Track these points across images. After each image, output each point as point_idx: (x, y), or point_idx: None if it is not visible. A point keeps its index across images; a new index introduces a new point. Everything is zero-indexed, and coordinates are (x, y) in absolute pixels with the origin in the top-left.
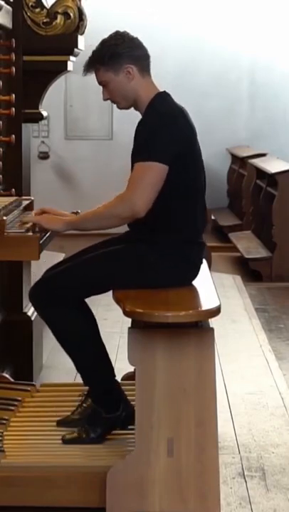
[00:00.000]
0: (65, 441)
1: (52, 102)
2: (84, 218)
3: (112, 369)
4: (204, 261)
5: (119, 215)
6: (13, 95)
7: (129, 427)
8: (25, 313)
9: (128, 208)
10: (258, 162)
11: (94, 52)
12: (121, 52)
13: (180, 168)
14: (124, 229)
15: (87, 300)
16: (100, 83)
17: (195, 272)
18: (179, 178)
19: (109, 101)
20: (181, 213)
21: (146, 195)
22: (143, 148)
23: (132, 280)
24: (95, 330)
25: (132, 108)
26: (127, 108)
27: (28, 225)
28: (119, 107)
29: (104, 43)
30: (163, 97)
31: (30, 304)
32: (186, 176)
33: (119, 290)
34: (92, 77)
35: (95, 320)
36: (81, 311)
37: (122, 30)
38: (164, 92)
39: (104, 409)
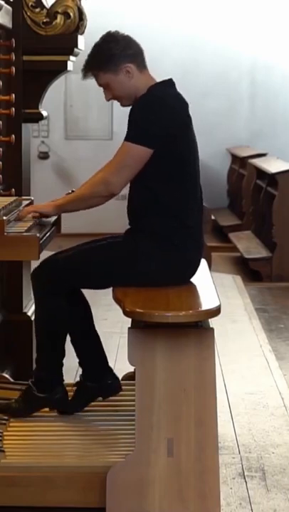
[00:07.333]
0: None
1: (52, 102)
2: (69, 201)
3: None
4: (204, 261)
5: (99, 194)
6: (13, 95)
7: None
8: (25, 313)
9: (104, 186)
10: (258, 162)
11: (90, 56)
12: (117, 54)
13: (168, 152)
14: (125, 227)
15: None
16: (100, 85)
17: (189, 260)
18: (167, 161)
19: (109, 100)
20: (171, 198)
21: (122, 175)
22: (129, 129)
23: (125, 269)
24: (79, 321)
25: None
26: (131, 105)
27: (28, 224)
28: (123, 105)
29: (98, 47)
30: (162, 85)
31: (30, 304)
32: (175, 160)
33: (116, 284)
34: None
35: (86, 313)
36: (70, 299)
37: (121, 30)
38: (169, 80)
39: (38, 388)
